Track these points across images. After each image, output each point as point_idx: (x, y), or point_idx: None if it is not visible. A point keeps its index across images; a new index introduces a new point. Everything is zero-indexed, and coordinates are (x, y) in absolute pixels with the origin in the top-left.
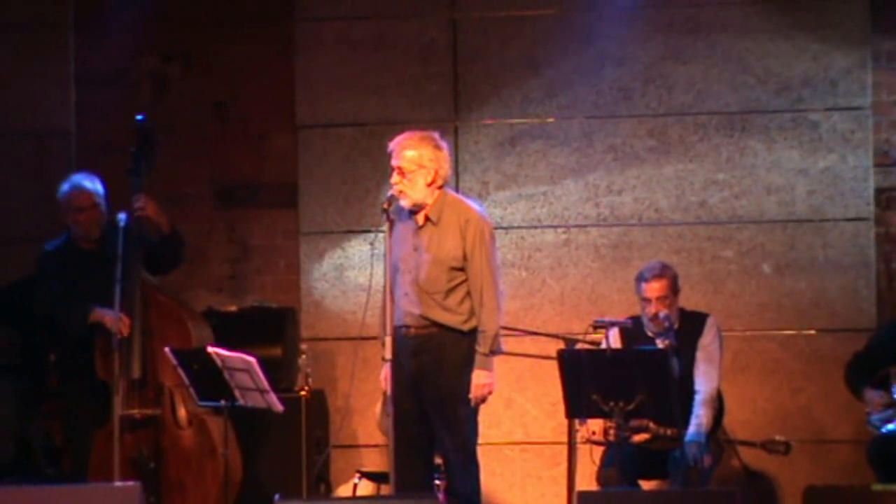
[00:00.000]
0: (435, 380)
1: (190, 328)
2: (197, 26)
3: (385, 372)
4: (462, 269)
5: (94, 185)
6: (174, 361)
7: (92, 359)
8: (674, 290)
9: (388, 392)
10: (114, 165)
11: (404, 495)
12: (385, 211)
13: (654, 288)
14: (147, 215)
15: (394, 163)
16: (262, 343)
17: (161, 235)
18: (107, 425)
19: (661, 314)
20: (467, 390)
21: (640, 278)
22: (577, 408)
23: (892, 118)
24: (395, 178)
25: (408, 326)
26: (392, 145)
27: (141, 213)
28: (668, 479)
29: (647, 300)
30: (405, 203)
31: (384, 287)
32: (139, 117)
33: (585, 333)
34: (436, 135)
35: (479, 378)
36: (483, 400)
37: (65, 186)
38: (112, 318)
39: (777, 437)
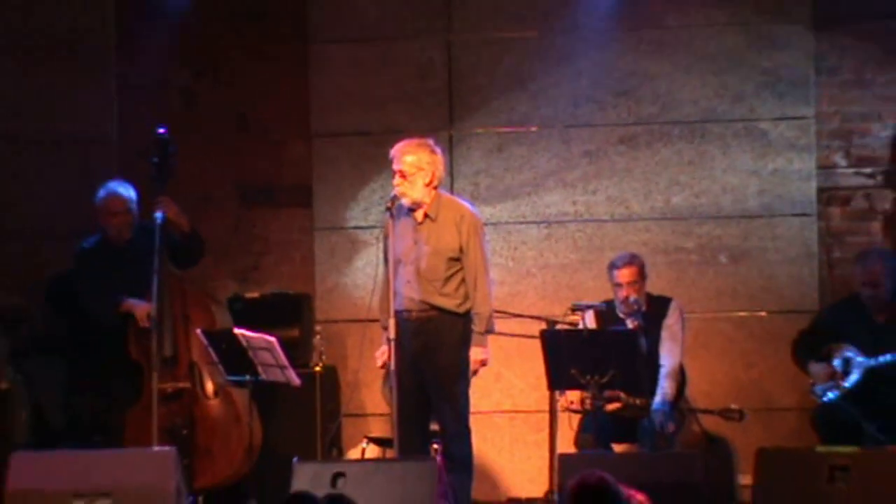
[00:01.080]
0: (435, 358)
1: (214, 312)
2: (223, 46)
3: (382, 350)
4: (458, 260)
5: (127, 191)
6: (204, 342)
7: (125, 344)
8: (642, 276)
9: (391, 367)
10: (149, 169)
11: (406, 458)
12: (388, 209)
13: (625, 274)
14: (166, 216)
15: (396, 167)
16: (281, 325)
17: (182, 234)
18: (139, 402)
19: (632, 298)
20: (464, 366)
21: (613, 266)
22: (557, 381)
23: (832, 126)
24: (397, 179)
25: (409, 311)
26: (393, 152)
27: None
28: (637, 443)
29: (619, 285)
30: (406, 202)
31: (385, 277)
32: (160, 130)
33: (565, 315)
34: (431, 141)
35: (476, 354)
36: (481, 367)
37: (101, 192)
38: (146, 307)
39: (733, 406)
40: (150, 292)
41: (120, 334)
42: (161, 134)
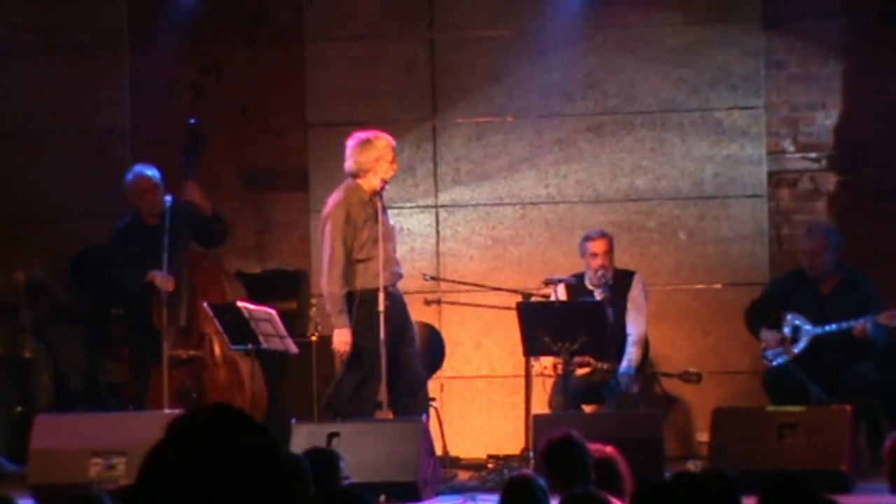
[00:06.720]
0: (409, 321)
1: (226, 287)
2: (227, 45)
3: (347, 336)
4: None
5: (152, 171)
6: (210, 314)
7: (150, 312)
8: (612, 248)
9: (381, 337)
10: (161, 157)
11: (395, 419)
12: (378, 194)
13: (598, 245)
14: (191, 199)
15: (392, 156)
16: (280, 298)
17: (205, 217)
18: (157, 367)
19: (601, 271)
20: None
21: (587, 238)
22: (532, 348)
23: (780, 115)
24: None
25: (395, 284)
26: (392, 144)
27: (186, 196)
28: (604, 404)
29: (594, 255)
30: (387, 186)
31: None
32: (192, 121)
33: (538, 289)
34: None
35: None
36: None
37: (129, 175)
38: (161, 278)
39: (691, 370)
40: (169, 267)
41: (144, 304)
42: (193, 123)
